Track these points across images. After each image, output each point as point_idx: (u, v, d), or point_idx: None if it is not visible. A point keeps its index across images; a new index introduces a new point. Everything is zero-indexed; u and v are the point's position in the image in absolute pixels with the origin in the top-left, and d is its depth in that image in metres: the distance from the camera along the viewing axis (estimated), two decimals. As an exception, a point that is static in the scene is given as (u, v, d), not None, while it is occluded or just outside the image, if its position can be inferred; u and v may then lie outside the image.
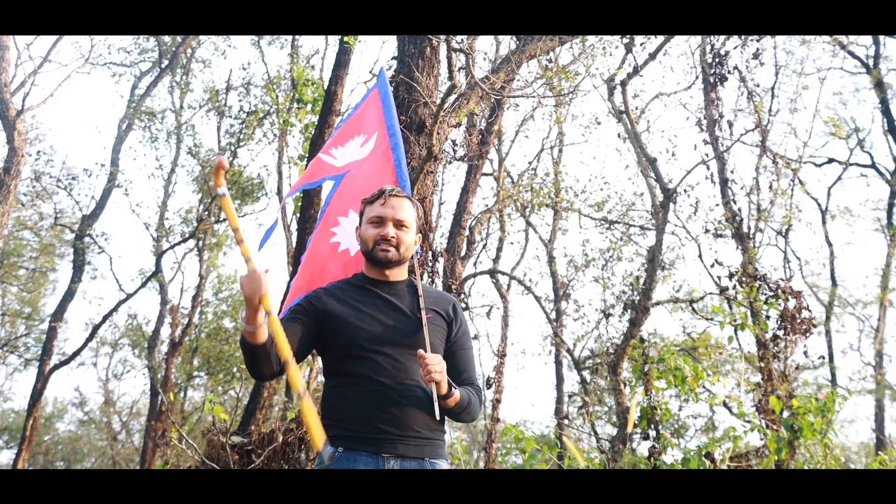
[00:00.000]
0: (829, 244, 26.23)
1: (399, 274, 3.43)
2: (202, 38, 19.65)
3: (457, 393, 3.19)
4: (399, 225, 3.36)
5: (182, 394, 22.17)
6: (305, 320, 3.27)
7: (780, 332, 12.20)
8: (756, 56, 15.22)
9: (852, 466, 7.72)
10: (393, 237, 3.33)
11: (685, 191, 16.55)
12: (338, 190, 4.29)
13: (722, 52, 14.90)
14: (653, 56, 14.66)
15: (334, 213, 4.21)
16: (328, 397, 3.27)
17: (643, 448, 9.10)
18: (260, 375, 3.16)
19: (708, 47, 15.07)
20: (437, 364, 3.07)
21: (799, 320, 12.20)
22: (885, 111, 17.82)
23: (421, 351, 3.10)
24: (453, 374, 3.30)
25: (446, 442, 3.33)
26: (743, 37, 14.61)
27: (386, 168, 4.14)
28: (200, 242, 20.52)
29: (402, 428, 3.12)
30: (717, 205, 16.20)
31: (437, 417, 3.16)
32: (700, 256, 18.71)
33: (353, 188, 4.24)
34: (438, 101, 7.53)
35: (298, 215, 9.08)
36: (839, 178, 22.35)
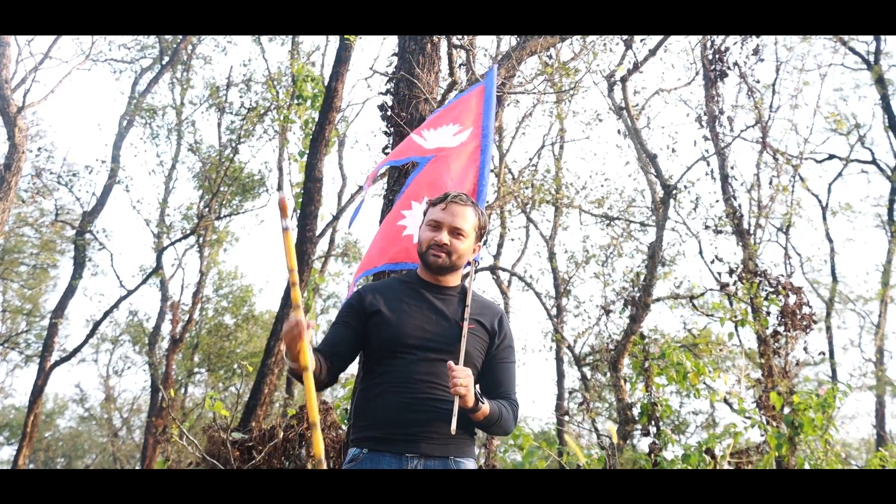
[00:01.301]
0: (830, 240, 26.23)
1: (451, 280, 3.45)
2: (203, 35, 19.65)
3: (485, 407, 3.17)
4: (455, 232, 3.36)
5: (183, 390, 22.18)
6: (354, 324, 3.31)
7: (781, 329, 12.21)
8: (756, 52, 15.21)
9: (853, 463, 7.72)
10: (446, 244, 3.33)
11: (685, 187, 16.53)
12: (420, 173, 4.31)
13: (722, 48, 14.89)
14: (653, 52, 14.66)
15: (410, 196, 4.25)
16: (360, 400, 3.32)
17: (644, 444, 9.08)
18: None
19: (708, 44, 15.05)
20: (463, 378, 3.06)
21: (799, 316, 12.20)
22: (886, 107, 17.79)
23: (451, 363, 3.11)
24: (491, 386, 3.33)
25: (475, 442, 3.34)
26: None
27: (471, 168, 4.15)
28: (201, 239, 20.52)
29: (425, 428, 3.15)
30: (717, 201, 16.19)
31: (453, 430, 3.12)
32: (700, 253, 18.74)
33: (434, 176, 4.25)
34: (439, 98, 7.52)
35: (299, 212, 9.07)
36: (840, 174, 22.37)
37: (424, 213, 3.50)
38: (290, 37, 18.58)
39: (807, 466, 7.29)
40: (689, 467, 6.95)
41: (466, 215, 3.40)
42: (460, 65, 9.33)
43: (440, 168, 4.21)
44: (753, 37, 14.72)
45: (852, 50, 18.35)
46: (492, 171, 17.82)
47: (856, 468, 7.44)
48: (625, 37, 13.22)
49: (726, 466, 7.18)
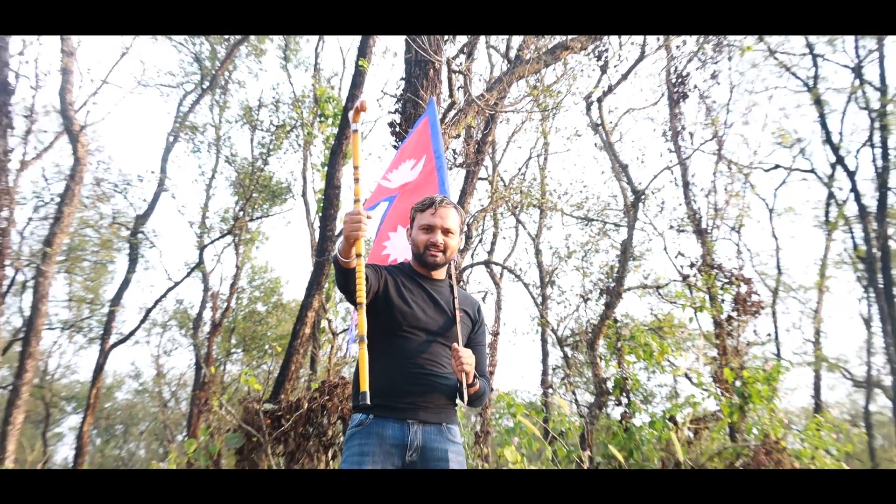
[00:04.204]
0: (776, 238, 26.23)
1: (440, 273, 3.49)
2: (237, 61, 19.60)
3: (478, 383, 3.26)
4: (446, 232, 3.40)
5: (222, 368, 22.15)
6: (377, 277, 3.29)
7: (734, 314, 12.21)
8: (713, 76, 15.23)
9: (794, 428, 7.71)
10: (441, 244, 3.38)
11: (652, 193, 16.59)
12: (390, 209, 4.39)
13: (684, 73, 14.89)
14: (624, 77, 14.63)
15: (386, 228, 4.33)
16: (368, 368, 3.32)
17: (616, 413, 9.07)
18: (346, 291, 3.16)
19: (672, 69, 15.04)
20: (467, 357, 3.15)
21: (749, 303, 12.20)
22: (823, 124, 17.79)
23: (455, 345, 3.18)
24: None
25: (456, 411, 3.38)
26: (702, 59, 14.59)
27: (431, 183, 4.20)
28: (237, 238, 20.49)
29: (424, 399, 3.19)
30: (679, 204, 16.28)
31: (466, 401, 3.21)
32: (665, 249, 18.78)
33: (402, 207, 4.32)
34: (440, 116, 7.50)
35: (321, 215, 9.06)
36: (784, 181, 22.46)
37: (412, 220, 3.51)
38: (313, 63, 18.55)
39: (755, 432, 7.28)
40: (655, 432, 6.94)
41: (453, 216, 3.44)
42: (458, 87, 9.31)
43: (406, 200, 4.32)
44: (711, 62, 14.72)
45: (794, 75, 18.33)
46: (486, 179, 17.88)
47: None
48: (601, 62, 13.18)
49: (686, 432, 7.17)
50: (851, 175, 17.71)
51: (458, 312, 3.35)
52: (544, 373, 19.76)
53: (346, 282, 3.10)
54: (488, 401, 3.62)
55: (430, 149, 4.36)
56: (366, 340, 3.14)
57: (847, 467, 7.21)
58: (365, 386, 3.02)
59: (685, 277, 14.46)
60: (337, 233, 9.15)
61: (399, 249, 4.16)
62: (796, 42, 18.01)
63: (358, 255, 3.04)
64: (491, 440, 8.89)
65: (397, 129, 8.17)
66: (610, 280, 15.71)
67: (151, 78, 21.13)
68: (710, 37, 13.90)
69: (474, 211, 16.49)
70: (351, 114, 3.32)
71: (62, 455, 26.66)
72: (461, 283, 8.77)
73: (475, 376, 3.24)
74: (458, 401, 3.31)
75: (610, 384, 10.01)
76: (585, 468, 6.64)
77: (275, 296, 22.48)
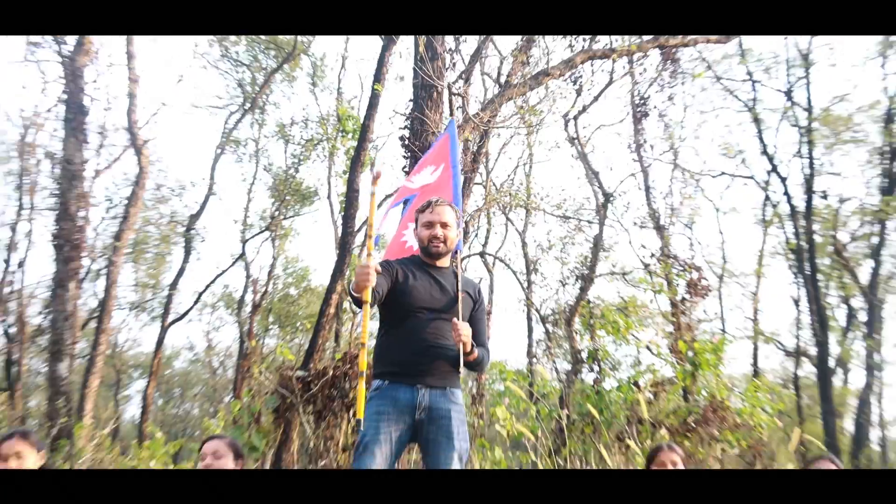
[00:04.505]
0: (721, 233, 26.28)
1: (444, 262, 3.50)
2: (273, 87, 19.51)
3: (476, 352, 3.27)
4: (444, 226, 3.43)
5: (261, 341, 22.13)
6: (389, 277, 3.31)
7: (687, 296, 12.20)
8: (670, 98, 15.22)
9: (736, 390, 7.72)
10: (441, 236, 3.41)
11: (619, 195, 16.56)
12: (411, 205, 4.41)
13: (645, 95, 14.88)
14: (596, 98, 14.65)
15: (406, 220, 4.34)
16: (382, 342, 3.35)
17: (589, 378, 9.09)
18: (359, 307, 3.18)
19: (635, 92, 15.03)
20: (464, 330, 3.18)
21: (699, 287, 12.20)
22: (760, 138, 17.76)
23: (455, 320, 3.21)
24: (473, 337, 3.35)
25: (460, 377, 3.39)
26: (661, 84, 14.55)
27: (446, 187, 4.24)
28: (273, 233, 20.45)
29: (430, 367, 3.21)
30: (642, 205, 16.25)
31: (462, 367, 3.23)
32: (630, 242, 18.73)
33: (420, 204, 4.35)
34: (442, 131, 7.49)
35: (342, 214, 9.05)
36: (728, 186, 22.46)
37: (416, 220, 3.54)
38: (336, 87, 18.47)
39: (704, 393, 7.28)
40: (622, 394, 6.95)
41: (448, 212, 3.47)
42: (457, 107, 9.30)
43: (423, 199, 4.36)
44: (668, 86, 14.69)
45: (736, 97, 18.30)
46: (481, 184, 17.81)
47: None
48: (576, 86, 13.16)
49: (647, 394, 7.17)
50: (784, 181, 17.71)
51: (460, 293, 3.36)
52: (529, 345, 19.75)
53: (359, 307, 3.15)
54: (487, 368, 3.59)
55: (449, 159, 4.40)
56: (364, 375, 3.17)
57: (780, 423, 7.23)
58: (361, 414, 3.08)
59: (646, 266, 14.48)
60: (358, 228, 9.15)
61: (415, 239, 4.24)
62: (738, 70, 17.95)
63: (365, 302, 3.06)
64: (485, 401, 8.91)
65: (406, 142, 8.16)
66: (584, 268, 15.73)
67: (202, 100, 21.14)
68: (668, 64, 13.87)
69: (471, 210, 16.46)
70: (370, 181, 3.37)
71: (130, 413, 26.66)
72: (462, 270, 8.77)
73: (474, 346, 3.26)
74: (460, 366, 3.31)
75: (584, 355, 10.03)
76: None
77: (304, 282, 22.46)
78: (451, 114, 8.68)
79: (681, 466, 3.63)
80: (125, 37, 14.27)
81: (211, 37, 17.18)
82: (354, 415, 7.05)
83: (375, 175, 3.37)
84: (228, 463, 3.39)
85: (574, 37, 10.53)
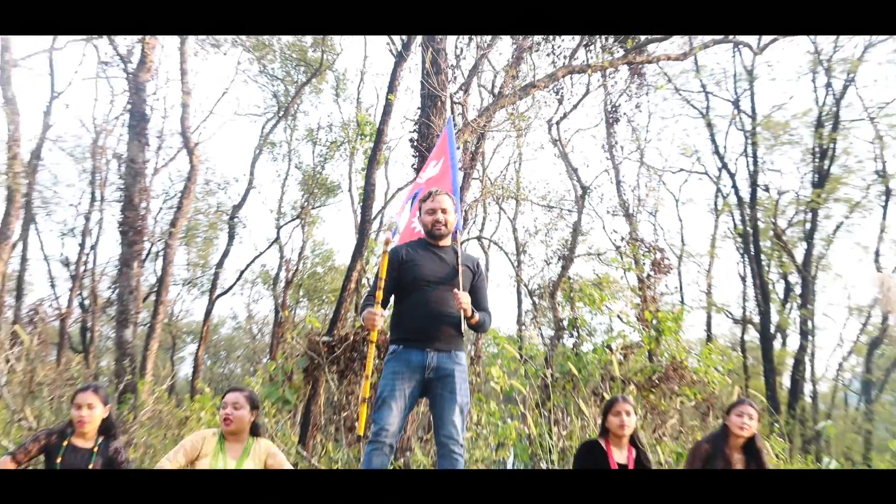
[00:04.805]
0: (680, 220, 26.18)
1: (445, 242, 3.47)
2: (303, 97, 19.29)
3: (477, 316, 3.28)
4: (444, 211, 3.42)
5: (293, 312, 22.12)
6: (393, 273, 3.33)
7: (651, 273, 12.14)
8: (637, 106, 15.07)
9: (693, 353, 7.66)
10: (442, 220, 3.40)
11: (595, 188, 16.46)
12: (419, 196, 4.37)
13: (616, 104, 14.73)
14: (575, 107, 14.48)
15: (415, 210, 4.36)
16: (396, 314, 3.36)
17: (570, 342, 9.03)
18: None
19: (608, 101, 14.89)
20: (464, 298, 3.20)
21: (662, 266, 12.14)
22: (713, 140, 17.64)
23: (456, 290, 3.22)
24: (475, 303, 3.36)
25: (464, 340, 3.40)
26: (629, 94, 14.37)
27: (446, 179, 4.24)
28: (303, 221, 20.37)
29: (438, 333, 3.21)
30: (614, 196, 16.13)
31: (464, 330, 3.26)
32: (604, 227, 18.63)
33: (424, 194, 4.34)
34: (445, 133, 7.36)
35: (361, 205, 8.93)
36: (686, 180, 22.26)
37: (420, 208, 3.53)
38: (356, 97, 18.29)
39: (666, 355, 7.20)
40: (597, 356, 6.86)
41: (446, 200, 3.46)
42: (458, 114, 9.23)
43: (428, 188, 4.34)
44: (636, 96, 14.51)
45: (693, 106, 18.11)
46: (477, 178, 17.63)
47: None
48: (558, 96, 13.03)
49: (618, 355, 7.09)
50: (732, 176, 17.59)
51: (460, 267, 3.34)
52: (518, 315, 19.70)
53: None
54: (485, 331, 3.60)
55: (448, 153, 4.37)
56: (364, 440, 3.20)
57: (729, 380, 7.15)
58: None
59: (618, 248, 14.40)
60: (374, 216, 9.03)
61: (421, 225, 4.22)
62: (694, 83, 17.72)
63: (371, 341, 3.29)
64: (482, 361, 8.85)
65: (415, 143, 8.08)
66: (565, 249, 15.64)
67: (244, 109, 20.93)
68: (635, 77, 13.70)
69: (469, 201, 16.34)
70: (381, 242, 3.39)
71: (183, 372, 26.68)
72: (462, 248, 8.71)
73: (475, 311, 3.25)
74: (463, 328, 3.28)
75: (565, 323, 9.95)
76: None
77: (329, 261, 22.40)
78: (453, 119, 8.56)
79: (633, 414, 3.59)
80: (179, 55, 14.11)
81: (251, 55, 16.97)
82: (372, 373, 6.99)
83: (387, 239, 3.42)
84: (245, 413, 3.30)
85: (557, 54, 10.39)
